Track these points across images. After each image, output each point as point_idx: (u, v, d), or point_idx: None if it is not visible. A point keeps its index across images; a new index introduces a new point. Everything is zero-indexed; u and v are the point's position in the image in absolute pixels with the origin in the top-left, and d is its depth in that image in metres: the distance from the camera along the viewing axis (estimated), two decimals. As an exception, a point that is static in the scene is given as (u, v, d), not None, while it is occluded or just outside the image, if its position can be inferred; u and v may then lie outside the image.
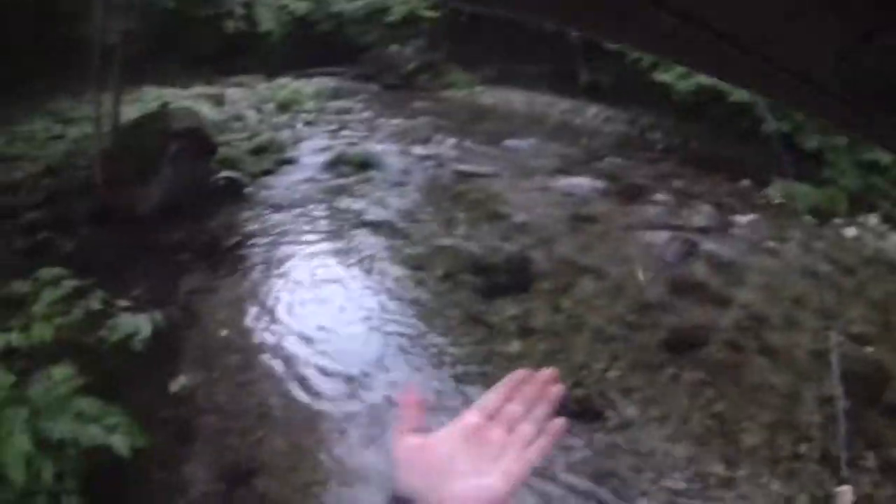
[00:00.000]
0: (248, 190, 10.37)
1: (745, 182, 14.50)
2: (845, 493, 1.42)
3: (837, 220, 13.37)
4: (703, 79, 15.69)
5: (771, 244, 10.94)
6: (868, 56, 0.77)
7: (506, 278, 7.85)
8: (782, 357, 7.27)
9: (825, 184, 14.55)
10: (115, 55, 9.63)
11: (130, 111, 11.58)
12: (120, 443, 4.49)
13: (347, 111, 18.17)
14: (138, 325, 6.13)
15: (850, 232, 12.97)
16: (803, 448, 6.00)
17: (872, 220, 14.08)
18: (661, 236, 9.98)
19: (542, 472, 5.23)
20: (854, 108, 0.95)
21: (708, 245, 10.09)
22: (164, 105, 11.10)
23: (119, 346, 6.02)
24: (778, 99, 1.18)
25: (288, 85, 20.28)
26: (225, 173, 10.37)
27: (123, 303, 6.49)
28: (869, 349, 7.99)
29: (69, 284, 6.38)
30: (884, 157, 14.78)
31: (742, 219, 11.90)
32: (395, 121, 16.89)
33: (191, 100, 15.20)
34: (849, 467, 5.73)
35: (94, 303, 6.33)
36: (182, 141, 9.50)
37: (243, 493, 5.12)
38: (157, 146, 9.31)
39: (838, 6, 0.75)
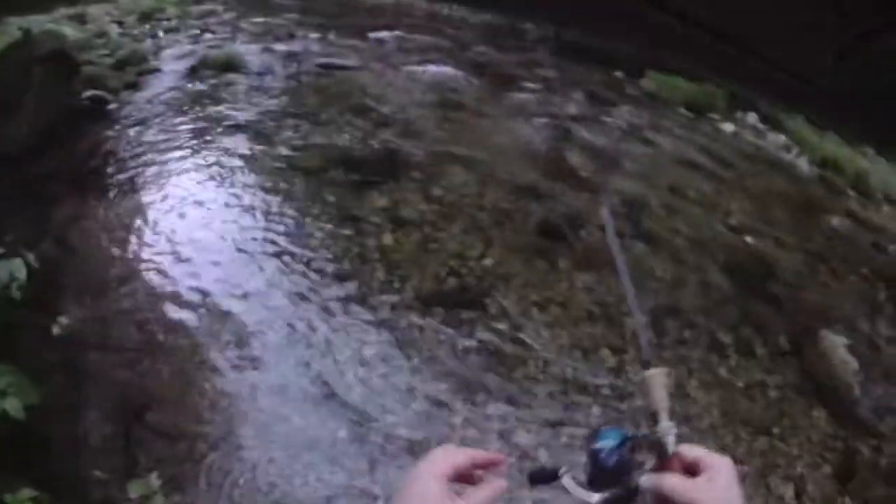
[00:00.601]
0: (112, 107, 9.61)
1: (619, 73, 14.45)
2: (655, 375, 1.07)
3: (714, 116, 13.48)
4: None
5: (646, 134, 10.84)
6: (867, 56, 0.37)
7: (375, 171, 7.53)
8: (662, 244, 7.19)
9: (702, 80, 14.58)
10: None
11: None
12: (13, 406, 4.23)
13: (210, 14, 17.14)
14: (13, 270, 5.54)
15: (728, 128, 13.18)
16: (687, 334, 5.95)
17: (751, 118, 14.26)
18: (532, 123, 9.80)
19: (430, 361, 5.26)
20: (853, 108, 1.23)
21: (581, 133, 9.91)
22: (27, 31, 10.25)
23: (-4, 297, 5.60)
24: (777, 98, 1.04)
25: None
26: (88, 93, 9.62)
27: None
28: (749, 239, 8.11)
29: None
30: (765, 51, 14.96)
31: (615, 109, 11.74)
32: (258, 19, 16.23)
33: (54, 23, 14.38)
34: (739, 354, 5.81)
35: (-37, 249, 5.72)
36: (45, 66, 8.94)
37: (139, 430, 4.84)
38: (21, 76, 8.74)
39: (837, 6, 0.77)
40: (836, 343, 6.26)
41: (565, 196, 7.61)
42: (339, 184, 7.28)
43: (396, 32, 14.86)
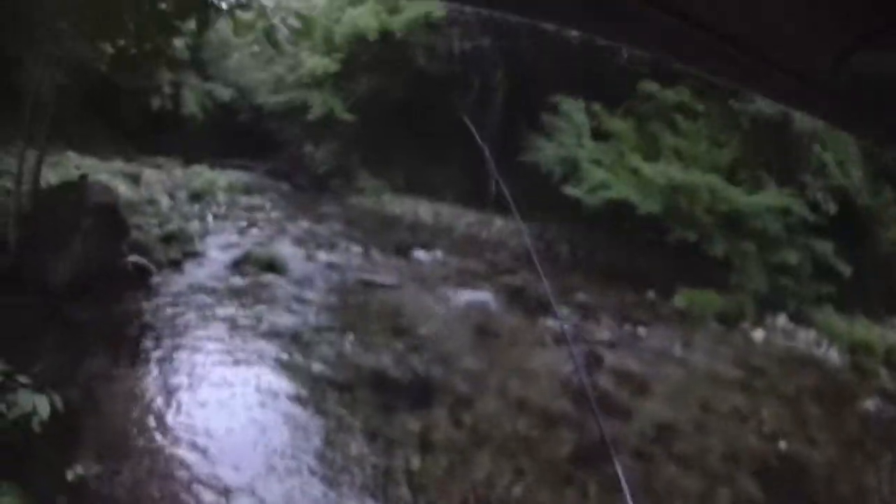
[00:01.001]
0: (154, 279, 10.04)
1: (651, 293, 14.79)
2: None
3: (745, 325, 13.64)
4: (612, 193, 16.09)
5: (677, 353, 11.02)
6: (867, 56, 0.78)
7: (407, 393, 7.65)
8: (693, 462, 7.17)
9: (733, 290, 14.83)
10: (46, 112, 9.38)
11: (51, 175, 11.31)
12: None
13: (258, 209, 18.16)
14: (36, 403, 5.76)
15: (759, 335, 13.27)
16: None
17: (781, 320, 14.40)
18: (566, 351, 9.71)
19: None
20: (854, 108, 0.98)
21: (612, 357, 10.06)
22: (84, 176, 10.76)
23: (17, 423, 5.60)
24: (777, 99, 1.21)
25: (203, 173, 20.28)
26: (133, 258, 10.03)
27: (23, 378, 6.09)
28: (782, 444, 8.07)
29: (-30, 347, 6.03)
30: (791, 257, 15.26)
31: (647, 329, 12.01)
32: (304, 223, 16.99)
33: (109, 175, 14.92)
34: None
35: (-5, 373, 5.95)
36: (96, 217, 9.27)
37: None
38: (72, 218, 9.09)
39: (838, 7, 0.75)
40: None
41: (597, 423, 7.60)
42: (371, 403, 7.36)
43: (436, 253, 15.41)
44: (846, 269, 15.42)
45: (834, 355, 12.85)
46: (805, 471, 7.52)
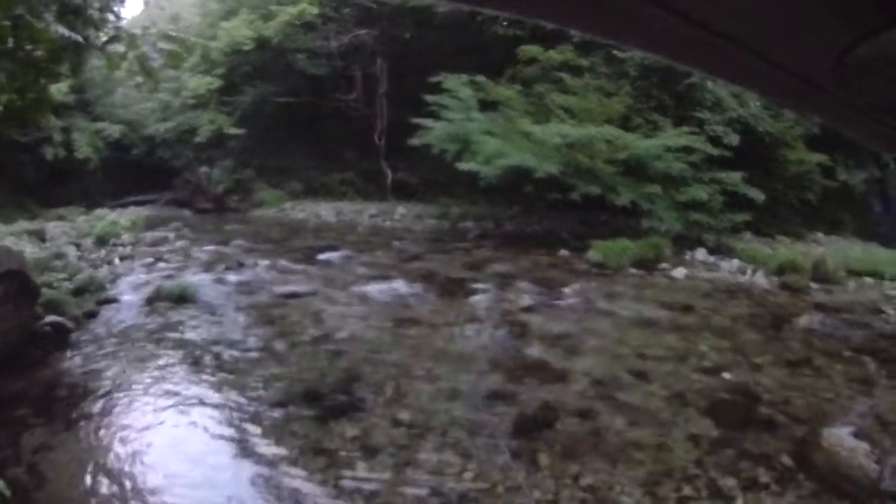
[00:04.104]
0: (73, 336, 9.73)
1: (564, 252, 14.89)
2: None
3: (664, 265, 13.77)
4: (506, 160, 16.09)
5: (601, 305, 11.10)
6: (867, 56, 0.78)
7: (339, 400, 7.46)
8: (640, 412, 7.09)
9: (646, 234, 15.00)
10: None
11: None
12: None
13: (162, 241, 18.14)
14: None
15: (680, 273, 13.46)
16: (688, 489, 5.76)
17: (700, 254, 14.66)
18: (488, 324, 9.93)
19: None
20: (853, 107, 0.97)
21: (538, 322, 10.06)
22: None
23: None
24: (777, 98, 1.24)
25: (105, 216, 20.18)
26: (50, 318, 9.72)
27: None
28: (727, 375, 8.15)
29: None
30: (700, 193, 15.51)
31: (567, 289, 12.06)
32: (209, 247, 16.91)
33: (14, 237, 15.01)
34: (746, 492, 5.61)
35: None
36: (5, 284, 8.85)
37: None
38: None
39: (838, 6, 0.75)
40: (840, 436, 6.15)
41: (535, 391, 7.57)
42: (306, 417, 7.18)
43: (343, 252, 15.46)
44: (759, 196, 15.88)
45: (761, 280, 13.17)
46: (756, 398, 7.53)
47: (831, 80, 0.87)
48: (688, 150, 16.08)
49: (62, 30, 7.90)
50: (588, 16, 0.83)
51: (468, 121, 18.50)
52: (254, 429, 6.95)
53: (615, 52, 18.83)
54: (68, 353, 9.17)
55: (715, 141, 16.52)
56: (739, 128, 17.16)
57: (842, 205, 19.94)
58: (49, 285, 10.91)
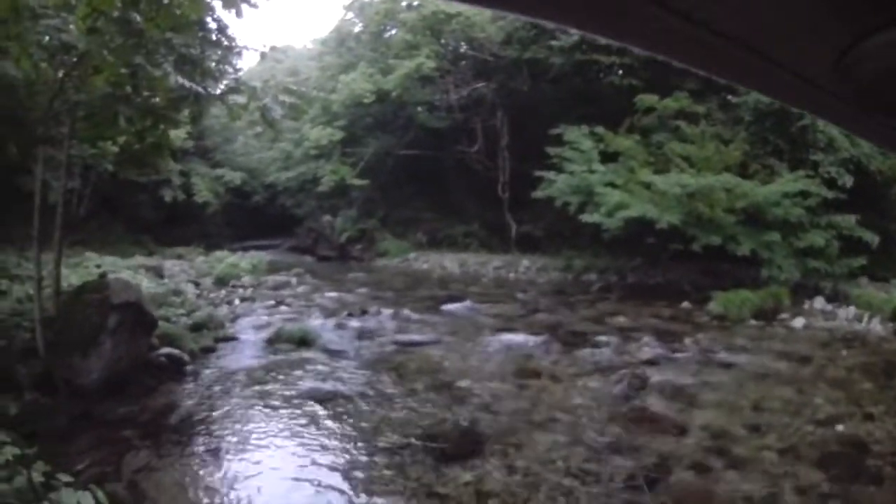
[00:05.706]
0: (189, 368, 10.15)
1: (686, 304, 14.85)
2: None
3: (784, 316, 13.60)
4: (628, 212, 16.17)
5: (721, 358, 11.04)
6: (868, 56, 0.79)
7: (456, 445, 7.57)
8: (752, 465, 7.08)
9: (765, 284, 14.83)
10: (56, 215, 9.59)
11: (72, 276, 11.71)
12: None
13: (284, 286, 18.45)
14: (82, 501, 5.75)
15: (799, 323, 13.25)
16: None
17: (818, 303, 14.39)
18: (609, 377, 9.92)
19: None
20: (854, 107, 0.98)
21: (658, 375, 10.04)
22: (103, 275, 10.98)
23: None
24: (778, 98, 1.20)
25: (225, 258, 20.74)
26: (165, 350, 10.18)
27: (66, 477, 6.14)
28: (839, 427, 8.06)
29: (10, 451, 6.04)
30: (817, 239, 15.22)
31: (688, 341, 12.04)
32: (332, 293, 17.13)
33: (131, 270, 15.46)
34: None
35: (36, 474, 5.98)
36: (122, 314, 9.31)
37: None
38: (97, 318, 9.16)
39: (838, 6, 0.76)
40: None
41: (651, 443, 7.58)
42: (421, 462, 7.25)
43: (467, 303, 15.47)
44: (873, 239, 15.39)
45: (877, 327, 12.85)
46: (867, 449, 7.44)
47: (832, 79, 0.88)
48: (804, 194, 15.85)
49: (180, 79, 8.31)
50: (588, 15, 0.85)
51: (590, 172, 18.58)
52: (366, 470, 7.12)
53: (730, 97, 18.75)
54: (181, 385, 9.56)
55: (830, 183, 16.19)
56: (852, 167, 16.71)
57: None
58: (167, 319, 11.35)
